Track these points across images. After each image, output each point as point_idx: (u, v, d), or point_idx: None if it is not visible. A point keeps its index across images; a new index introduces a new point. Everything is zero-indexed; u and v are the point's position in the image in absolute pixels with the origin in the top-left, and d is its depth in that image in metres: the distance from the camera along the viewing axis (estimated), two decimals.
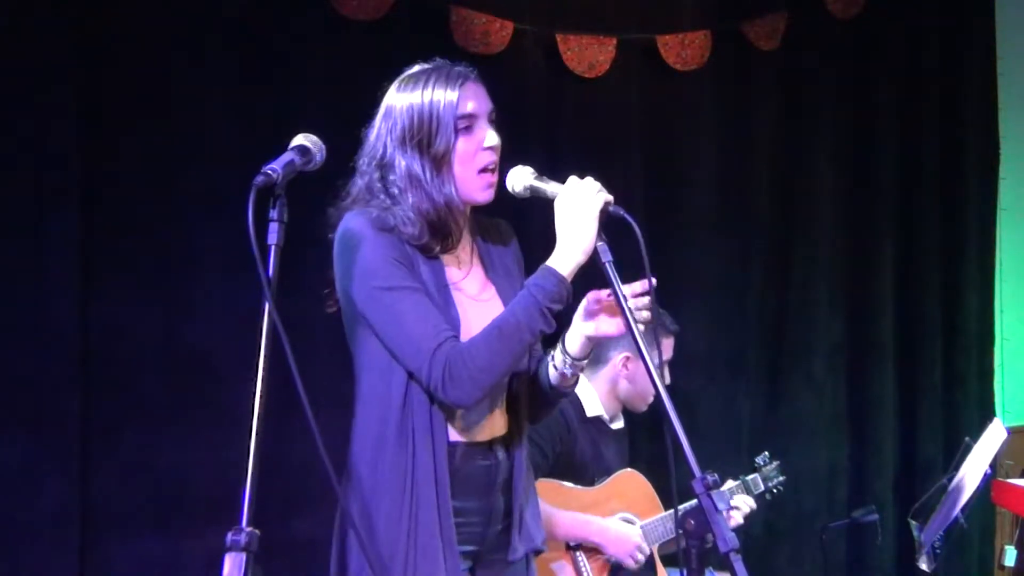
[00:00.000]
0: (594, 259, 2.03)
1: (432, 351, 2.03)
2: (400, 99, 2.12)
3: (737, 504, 3.32)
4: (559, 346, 2.17)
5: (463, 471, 2.14)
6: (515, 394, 2.25)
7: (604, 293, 2.08)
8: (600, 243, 2.03)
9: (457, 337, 2.07)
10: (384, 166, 2.11)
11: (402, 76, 2.17)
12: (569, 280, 2.05)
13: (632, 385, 3.36)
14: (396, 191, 2.10)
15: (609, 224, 2.05)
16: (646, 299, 2.02)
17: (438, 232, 2.12)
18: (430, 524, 2.08)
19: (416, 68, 2.17)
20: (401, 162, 2.10)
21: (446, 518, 2.10)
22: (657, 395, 1.87)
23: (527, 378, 2.25)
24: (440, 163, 2.09)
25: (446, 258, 2.17)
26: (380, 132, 2.13)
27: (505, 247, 2.31)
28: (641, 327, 1.96)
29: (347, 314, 2.15)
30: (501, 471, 2.20)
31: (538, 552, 2.30)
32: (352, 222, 2.09)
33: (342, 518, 2.14)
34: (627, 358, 3.35)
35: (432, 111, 2.08)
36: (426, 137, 2.08)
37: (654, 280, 2.02)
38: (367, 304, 2.08)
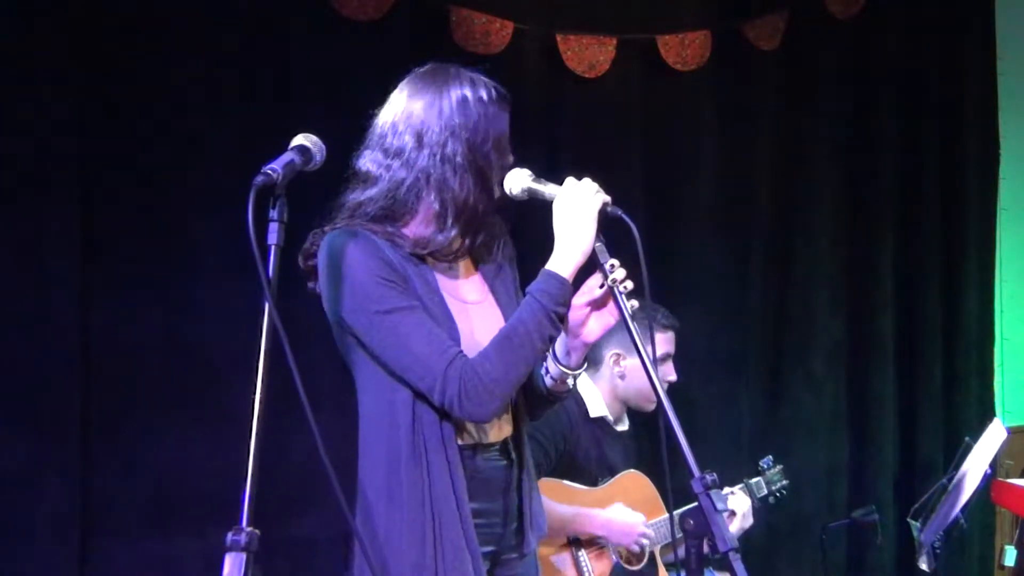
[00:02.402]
0: (593, 260, 2.03)
1: (443, 370, 2.01)
2: (454, 93, 2.09)
3: (734, 507, 3.31)
4: (551, 359, 2.15)
5: (481, 473, 2.14)
6: (517, 394, 2.24)
7: (595, 288, 2.07)
8: (598, 244, 2.03)
9: (462, 351, 2.05)
10: (436, 144, 2.06)
11: (427, 69, 2.15)
12: (570, 281, 2.05)
13: (628, 383, 3.36)
14: (447, 177, 2.05)
15: (608, 224, 2.05)
16: (630, 284, 2.02)
17: (471, 225, 2.10)
18: (455, 538, 2.06)
19: (448, 67, 2.15)
20: (456, 147, 2.06)
21: (468, 528, 2.08)
22: (654, 389, 1.88)
23: (530, 379, 2.24)
24: (479, 167, 2.08)
25: (441, 264, 2.16)
26: (430, 114, 2.07)
27: (494, 240, 2.28)
28: (636, 325, 1.96)
29: (339, 336, 2.13)
30: (514, 469, 2.20)
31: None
32: (336, 243, 2.05)
33: (358, 544, 2.09)
34: (617, 355, 3.34)
35: (491, 127, 2.09)
36: (480, 142, 2.08)
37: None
38: (367, 329, 2.05)
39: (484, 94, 2.09)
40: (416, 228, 2.10)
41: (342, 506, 2.06)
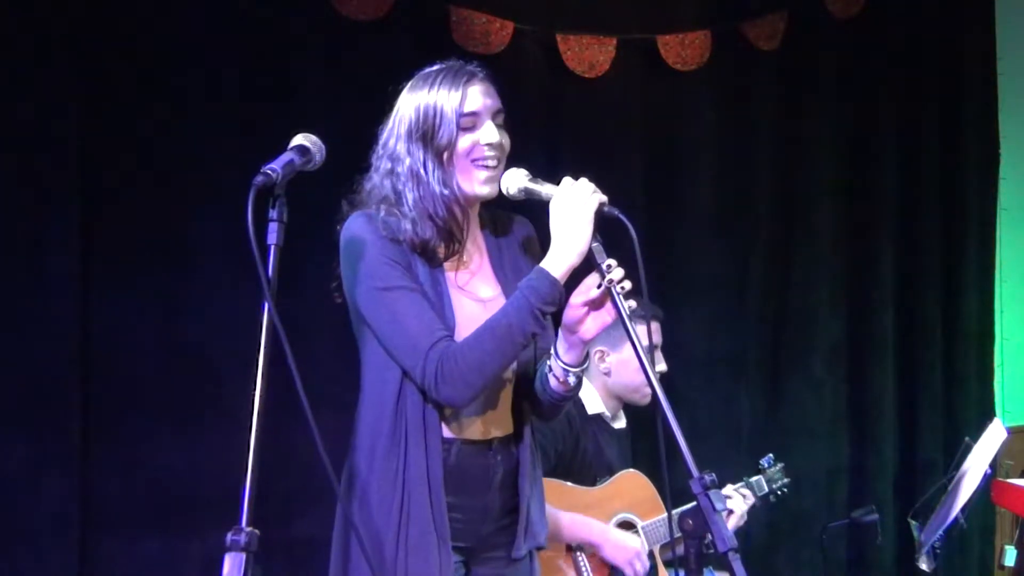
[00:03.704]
0: (590, 259, 2.03)
1: (426, 350, 2.05)
2: (410, 97, 2.16)
3: (733, 507, 3.30)
4: (553, 356, 2.16)
5: (458, 468, 2.15)
6: (521, 394, 2.25)
7: (592, 288, 2.07)
8: (595, 244, 2.03)
9: (451, 337, 2.09)
10: (394, 160, 2.15)
11: (417, 75, 2.19)
12: (562, 281, 2.06)
13: (615, 378, 3.37)
14: (401, 187, 2.13)
15: (606, 224, 2.05)
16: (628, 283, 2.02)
17: (441, 231, 2.13)
18: (422, 520, 2.09)
19: (431, 68, 2.19)
20: (407, 158, 2.13)
21: (439, 514, 2.11)
22: (651, 388, 1.88)
23: (532, 379, 2.24)
24: (441, 158, 2.11)
25: (450, 260, 2.18)
26: (391, 129, 2.17)
27: (519, 243, 2.31)
28: (633, 325, 1.96)
29: (352, 312, 2.18)
30: (499, 470, 2.21)
31: (540, 548, 2.31)
32: (354, 224, 2.12)
33: (342, 516, 2.14)
34: (601, 352, 3.34)
35: (437, 108, 2.11)
36: (430, 133, 2.11)
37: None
38: (366, 304, 2.11)
39: (440, 90, 2.11)
40: (410, 228, 2.12)
41: (342, 505, 2.08)
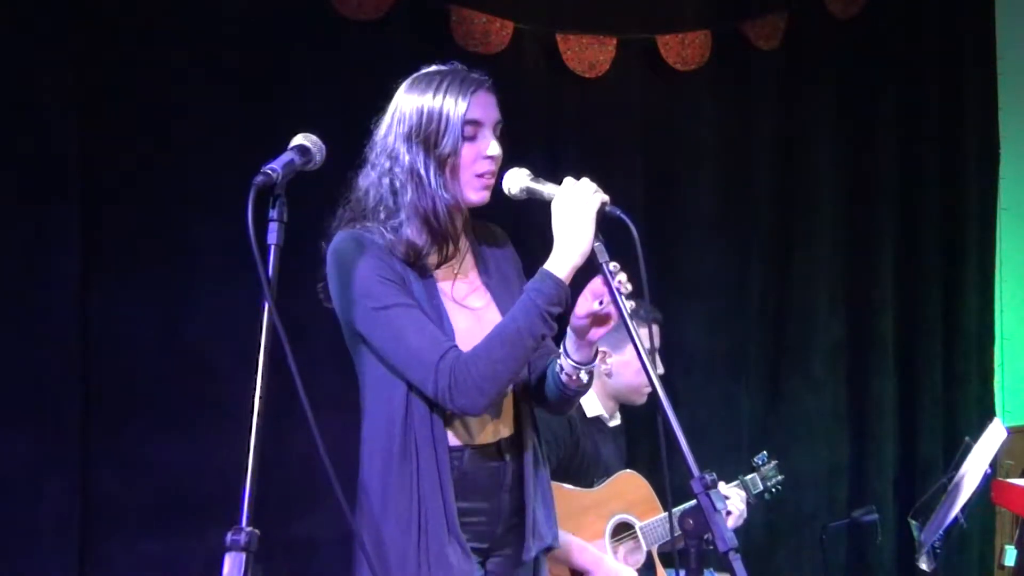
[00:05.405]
0: (592, 260, 2.04)
1: (436, 362, 2.04)
2: (412, 97, 2.13)
3: (731, 507, 3.30)
4: (563, 355, 2.16)
5: (470, 474, 2.16)
6: (521, 396, 2.26)
7: (595, 299, 2.07)
8: (597, 243, 2.04)
9: (457, 346, 2.08)
10: (392, 158, 2.13)
11: (416, 74, 2.18)
12: (567, 282, 2.06)
13: (616, 379, 3.37)
14: (399, 185, 2.12)
15: (607, 224, 2.05)
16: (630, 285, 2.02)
17: (436, 235, 2.13)
18: (439, 531, 2.10)
19: (432, 68, 2.18)
20: (406, 157, 2.11)
21: (454, 524, 2.11)
22: (653, 388, 1.88)
23: (534, 379, 2.25)
24: (443, 164, 2.11)
25: (442, 270, 2.19)
26: (390, 126, 2.15)
27: (502, 252, 2.32)
28: (635, 326, 1.96)
29: (346, 332, 2.17)
30: (508, 472, 2.22)
31: (549, 549, 2.30)
32: (341, 245, 2.11)
33: (355, 537, 2.13)
34: (603, 353, 3.34)
35: (442, 113, 2.09)
36: (433, 137, 2.10)
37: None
38: (365, 325, 2.10)
39: (447, 95, 2.10)
40: (404, 232, 2.12)
41: (342, 505, 2.07)
